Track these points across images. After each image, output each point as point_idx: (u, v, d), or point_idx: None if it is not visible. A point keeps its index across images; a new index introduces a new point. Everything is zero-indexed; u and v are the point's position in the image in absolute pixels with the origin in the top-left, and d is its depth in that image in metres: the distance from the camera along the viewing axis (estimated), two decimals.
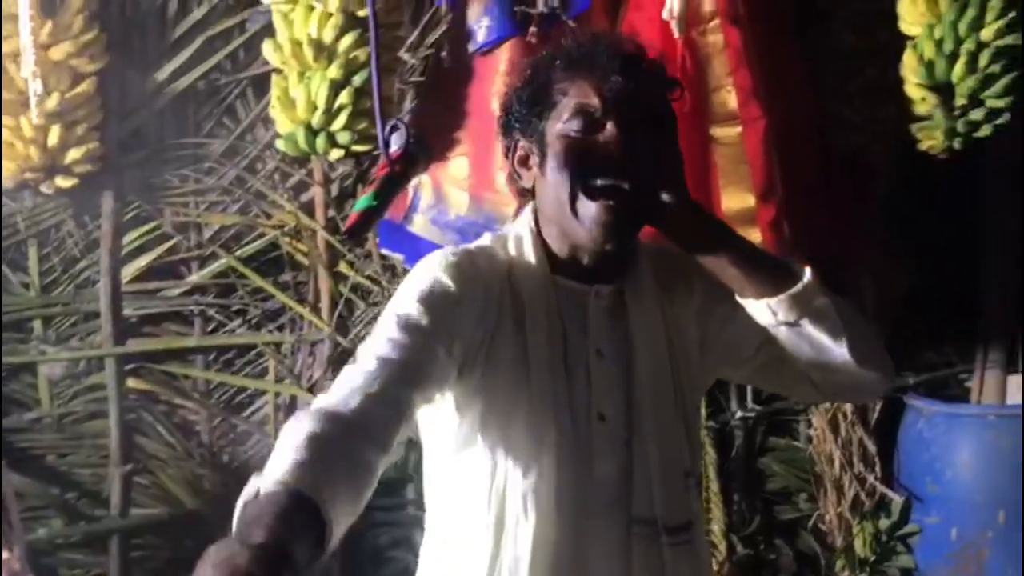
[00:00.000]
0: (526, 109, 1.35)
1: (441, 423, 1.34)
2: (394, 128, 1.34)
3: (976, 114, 2.18)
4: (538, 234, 1.37)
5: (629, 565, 1.29)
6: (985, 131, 2.20)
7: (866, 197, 2.98)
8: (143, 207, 2.89)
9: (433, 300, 1.26)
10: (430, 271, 1.29)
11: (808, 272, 1.31)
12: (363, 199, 1.32)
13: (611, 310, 1.34)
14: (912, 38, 2.26)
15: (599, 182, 1.27)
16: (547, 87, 1.33)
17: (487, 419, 1.29)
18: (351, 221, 1.30)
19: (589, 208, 1.27)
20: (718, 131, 2.24)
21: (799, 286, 1.28)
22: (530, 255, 1.34)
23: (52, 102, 2.61)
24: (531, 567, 1.25)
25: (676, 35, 2.03)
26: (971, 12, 2.13)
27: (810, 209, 2.44)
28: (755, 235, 2.23)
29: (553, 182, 1.31)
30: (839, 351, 1.29)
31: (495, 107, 2.29)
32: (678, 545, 1.31)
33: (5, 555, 2.22)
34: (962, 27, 2.14)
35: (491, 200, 2.29)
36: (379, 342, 1.22)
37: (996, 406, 3.01)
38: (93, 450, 2.90)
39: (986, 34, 2.13)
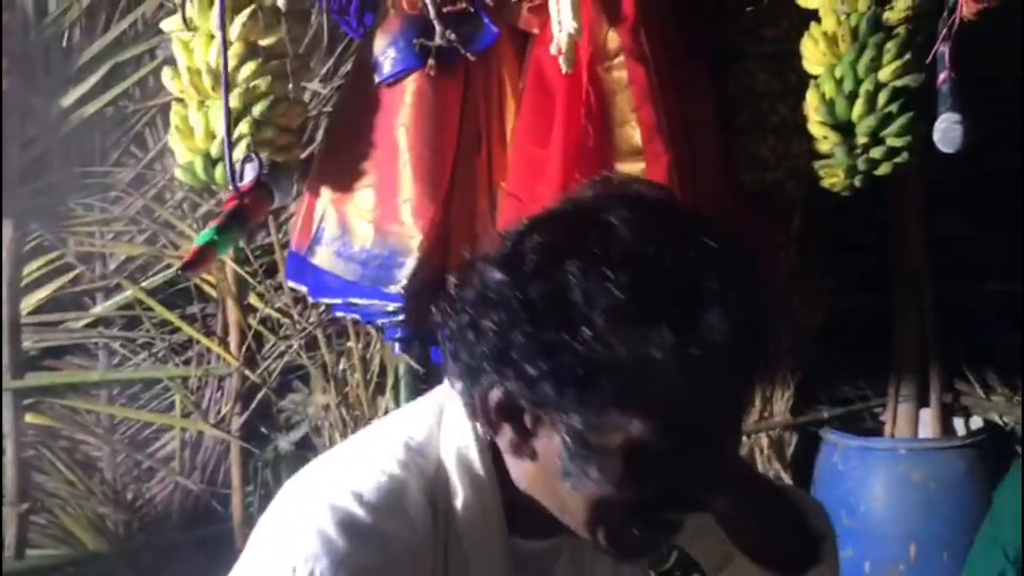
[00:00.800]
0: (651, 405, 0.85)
1: None
2: (247, 159, 1.29)
3: (876, 152, 2.20)
4: (494, 479, 0.96)
5: None
6: (885, 169, 2.22)
7: (779, 234, 3.03)
8: (45, 236, 2.81)
9: None
10: None
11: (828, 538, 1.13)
12: (205, 233, 1.27)
13: (575, 560, 1.05)
14: (815, 77, 2.28)
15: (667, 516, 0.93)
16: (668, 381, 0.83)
17: None
18: (189, 255, 1.25)
19: (629, 536, 0.92)
20: (622, 167, 2.24)
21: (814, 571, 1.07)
22: (478, 514, 0.95)
23: None
24: None
25: (564, 71, 2.03)
26: (869, 53, 2.15)
27: None
28: None
29: (586, 491, 0.89)
30: None
31: (400, 139, 2.29)
32: None
33: None
34: (860, 67, 2.16)
35: (396, 232, 2.26)
36: None
37: (908, 439, 3.05)
38: None
39: (884, 75, 2.15)
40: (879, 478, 2.96)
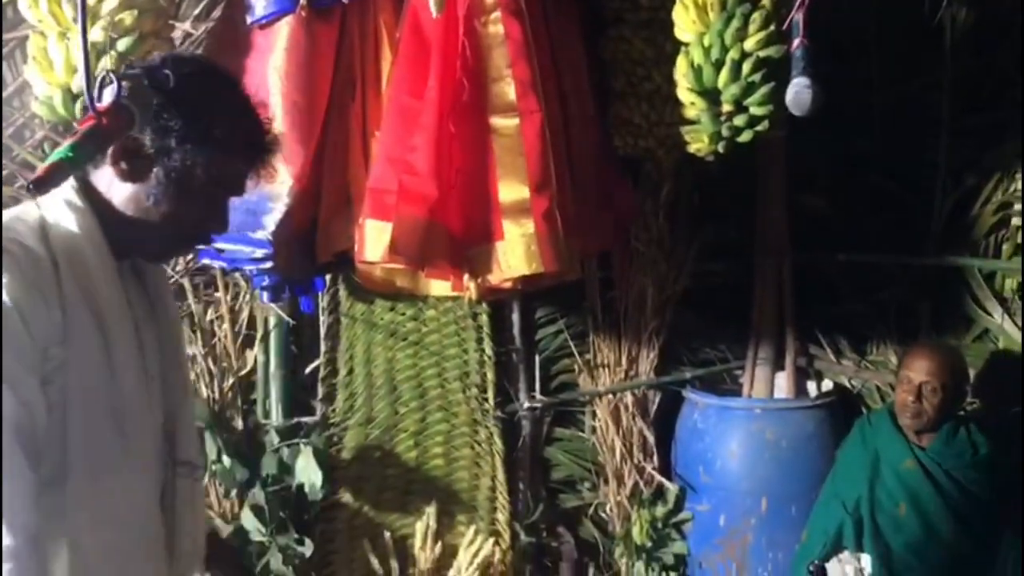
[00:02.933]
0: (183, 138, 1.40)
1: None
2: (106, 81, 1.27)
3: (739, 120, 2.29)
4: (91, 210, 1.43)
5: (173, 495, 1.54)
6: (747, 136, 2.31)
7: (647, 199, 3.11)
8: None
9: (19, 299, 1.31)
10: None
11: None
12: (59, 150, 1.24)
13: (134, 276, 1.51)
14: (686, 45, 2.34)
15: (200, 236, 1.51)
16: (207, 132, 1.41)
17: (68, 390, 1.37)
18: (40, 171, 1.22)
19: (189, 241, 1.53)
20: (496, 122, 2.27)
21: None
22: (88, 233, 1.41)
23: None
24: (92, 518, 1.40)
25: (434, 15, 2.04)
26: (736, 23, 2.23)
27: (587, 206, 2.50)
28: (529, 226, 2.26)
29: (172, 203, 1.43)
30: None
31: (272, 82, 2.25)
32: (198, 480, 1.61)
33: None
34: (727, 36, 2.24)
35: (264, 177, 2.22)
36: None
37: (763, 400, 3.19)
38: None
39: (749, 44, 2.24)
40: (735, 436, 3.09)
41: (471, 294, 2.37)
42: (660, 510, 3.16)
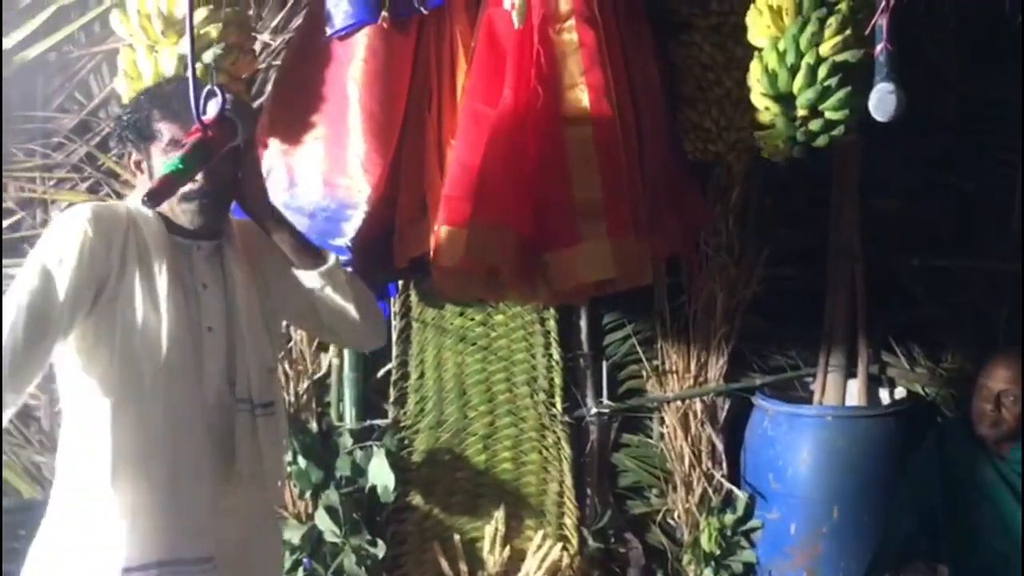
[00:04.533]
0: (134, 134, 1.76)
1: (69, 369, 1.76)
2: (211, 94, 1.31)
3: (814, 124, 2.27)
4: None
5: (238, 430, 1.82)
6: (823, 141, 2.28)
7: (717, 203, 3.10)
8: None
9: (66, 251, 1.65)
10: (66, 224, 1.68)
11: (333, 257, 1.90)
12: (170, 163, 1.29)
13: (210, 258, 1.84)
14: (759, 49, 2.34)
15: (191, 195, 1.74)
16: (148, 122, 1.74)
17: (126, 331, 1.72)
18: (155, 184, 1.28)
19: (185, 207, 1.76)
20: (570, 129, 2.28)
21: (326, 266, 1.88)
22: (150, 218, 1.75)
23: None
24: (160, 440, 1.73)
25: (516, 26, 2.06)
26: (812, 27, 2.22)
27: (657, 211, 2.51)
28: (603, 231, 2.27)
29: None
30: (351, 312, 1.92)
31: (351, 93, 2.30)
32: (267, 416, 1.86)
33: None
34: (803, 41, 2.22)
35: (344, 186, 2.27)
36: (20, 291, 1.63)
37: (834, 407, 3.15)
38: None
39: (824, 49, 2.22)
40: (806, 444, 3.05)
41: (544, 300, 2.38)
42: (729, 518, 3.14)
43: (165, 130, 1.71)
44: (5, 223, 2.79)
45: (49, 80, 2.81)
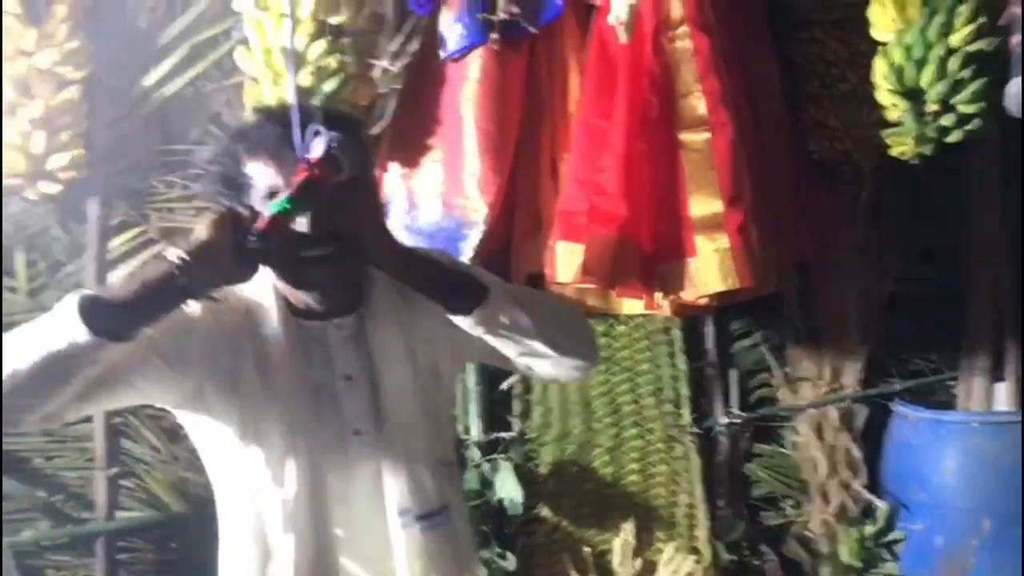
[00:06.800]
0: (227, 190, 1.45)
1: (199, 440, 1.53)
2: (316, 132, 1.34)
3: (947, 120, 2.17)
4: (278, 283, 1.47)
5: (403, 549, 1.48)
6: (956, 136, 2.19)
7: (848, 203, 2.99)
8: (129, 213, 2.91)
9: (175, 323, 1.36)
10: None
11: (492, 291, 1.43)
12: (277, 203, 1.31)
13: (355, 336, 1.48)
14: (883, 44, 2.25)
15: (304, 254, 1.39)
16: (238, 167, 1.44)
17: (246, 444, 1.44)
18: (263, 224, 1.30)
19: (297, 271, 1.42)
20: (687, 137, 2.25)
21: (482, 305, 1.42)
22: (267, 303, 1.45)
23: (36, 109, 2.65)
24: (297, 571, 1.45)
25: (622, 40, 2.04)
26: (940, 18, 2.13)
27: (782, 215, 2.44)
28: (723, 241, 2.23)
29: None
30: (537, 345, 1.48)
31: (466, 114, 2.33)
32: (435, 528, 1.50)
33: None
34: (931, 33, 2.13)
35: (462, 206, 2.31)
36: None
37: (981, 413, 3.00)
38: (79, 453, 2.89)
39: (955, 40, 2.12)
40: (951, 451, 2.92)
41: (663, 312, 2.35)
42: (869, 529, 3.03)
43: (260, 177, 1.42)
44: (149, 253, 2.94)
45: (186, 114, 2.94)
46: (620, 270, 2.26)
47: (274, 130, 1.42)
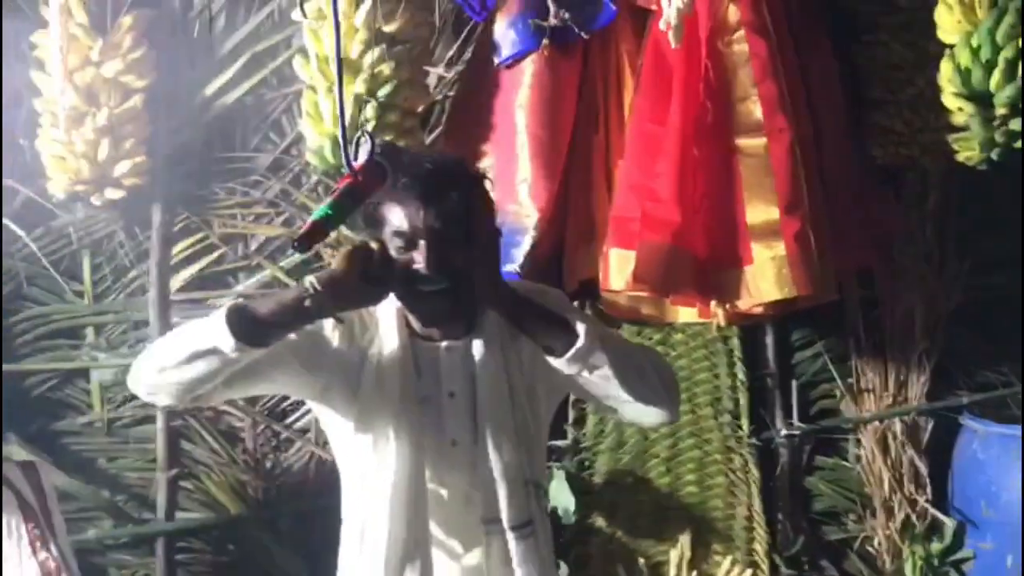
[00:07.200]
0: (363, 222, 1.66)
1: (326, 427, 1.74)
2: (360, 139, 1.35)
3: (1015, 124, 2.10)
4: (402, 308, 1.67)
5: (487, 555, 1.66)
6: None
7: (914, 211, 2.91)
8: (191, 219, 2.97)
9: (312, 330, 1.60)
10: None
11: (583, 333, 1.58)
12: (319, 209, 1.33)
13: (463, 359, 1.67)
14: (950, 46, 2.18)
15: (422, 288, 1.58)
16: (375, 207, 1.61)
17: (360, 442, 1.65)
18: (303, 230, 1.32)
19: (416, 300, 1.61)
20: (743, 142, 2.21)
21: (575, 347, 1.57)
22: (391, 322, 1.66)
23: (102, 117, 2.72)
24: (387, 565, 1.61)
25: (672, 45, 2.01)
26: (1009, 19, 2.05)
27: (842, 222, 2.38)
28: (780, 248, 2.18)
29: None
30: (619, 392, 1.62)
31: (518, 120, 2.33)
32: (523, 539, 1.64)
33: (42, 555, 2.29)
34: (1000, 34, 2.06)
35: (513, 212, 2.30)
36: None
37: None
38: (140, 454, 2.96)
39: None
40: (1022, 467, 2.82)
41: (718, 320, 2.31)
42: (935, 547, 2.94)
43: (391, 216, 1.58)
44: (211, 258, 3.00)
45: (246, 122, 2.99)
46: (672, 278, 2.22)
47: (405, 179, 1.56)
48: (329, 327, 1.62)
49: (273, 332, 1.50)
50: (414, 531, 1.63)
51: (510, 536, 1.63)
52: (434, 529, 1.66)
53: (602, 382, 1.61)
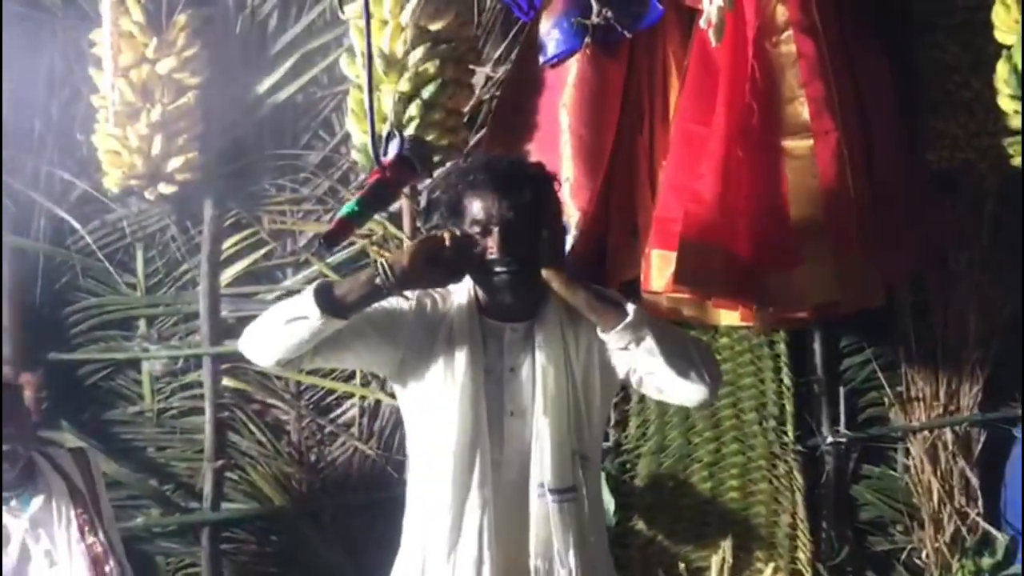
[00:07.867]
0: (448, 214, 1.81)
1: (401, 402, 1.94)
2: (389, 136, 1.35)
3: None
4: (473, 287, 1.88)
5: (527, 516, 1.83)
6: None
7: (967, 216, 2.84)
8: (241, 214, 3.02)
9: (390, 307, 1.83)
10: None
11: (632, 311, 1.79)
12: (347, 205, 1.34)
13: (525, 339, 1.86)
14: (1007, 47, 2.12)
15: (495, 270, 1.79)
16: (458, 199, 1.81)
17: (428, 407, 1.86)
18: (331, 226, 1.33)
19: (488, 282, 1.82)
20: (789, 144, 2.18)
21: (625, 322, 1.78)
22: (463, 301, 1.87)
23: (156, 114, 2.77)
24: (453, 525, 1.82)
25: (713, 44, 1.99)
26: None
27: (892, 226, 2.33)
28: (826, 251, 2.15)
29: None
30: (663, 367, 1.80)
31: (562, 119, 2.32)
32: (563, 503, 1.82)
33: (89, 540, 2.35)
34: None
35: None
36: None
37: None
38: (188, 445, 3.02)
39: None
40: None
41: (758, 324, 2.28)
42: (987, 561, 2.87)
43: (471, 208, 1.78)
44: (260, 253, 3.04)
45: (297, 119, 3.03)
46: (713, 279, 2.20)
47: (485, 175, 1.79)
48: (405, 304, 1.82)
49: (350, 305, 1.72)
50: (471, 496, 1.80)
51: (552, 499, 1.80)
52: (489, 494, 1.82)
53: (647, 356, 1.78)
